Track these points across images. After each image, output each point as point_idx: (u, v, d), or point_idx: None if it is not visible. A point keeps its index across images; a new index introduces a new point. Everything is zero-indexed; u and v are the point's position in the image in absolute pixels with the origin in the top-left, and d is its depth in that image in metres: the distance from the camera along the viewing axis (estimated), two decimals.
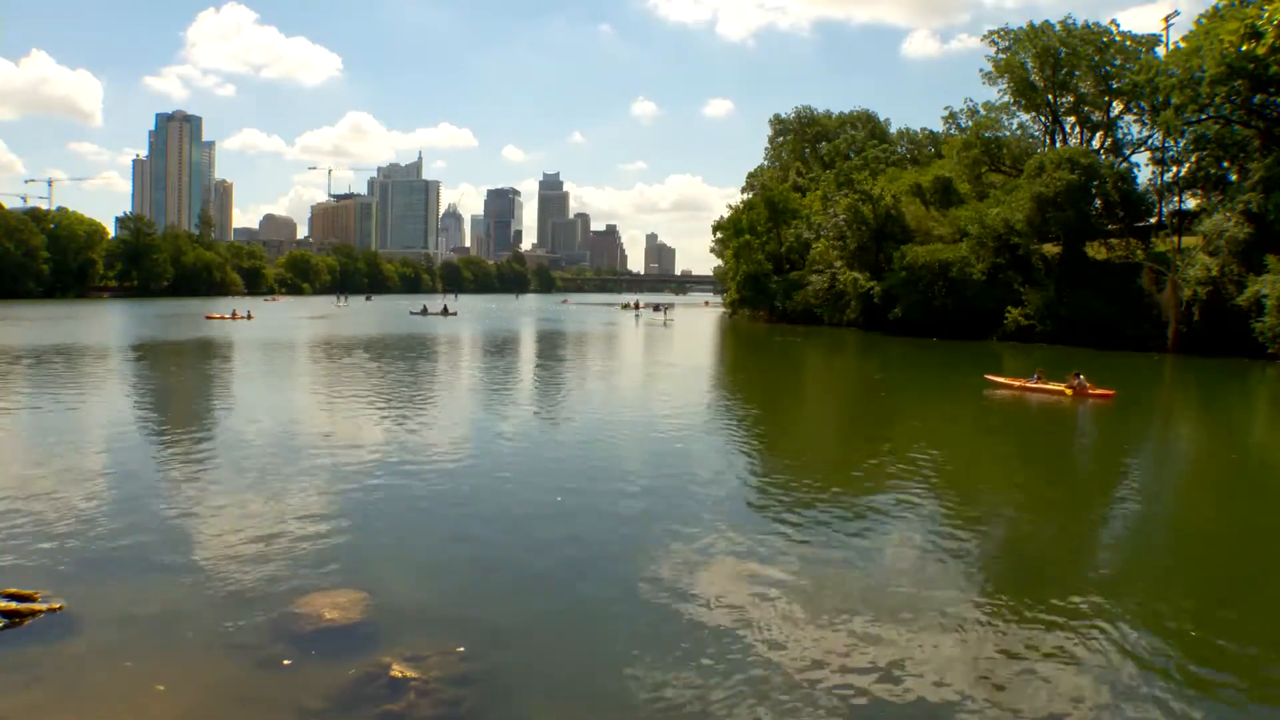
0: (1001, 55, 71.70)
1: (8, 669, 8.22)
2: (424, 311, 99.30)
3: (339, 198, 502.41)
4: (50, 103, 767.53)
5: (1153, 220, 62.77)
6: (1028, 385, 31.28)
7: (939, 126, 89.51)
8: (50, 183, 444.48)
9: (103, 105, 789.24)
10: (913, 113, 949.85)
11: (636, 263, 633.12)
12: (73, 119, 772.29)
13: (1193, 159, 58.62)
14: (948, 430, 25.49)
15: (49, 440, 19.66)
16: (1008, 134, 75.30)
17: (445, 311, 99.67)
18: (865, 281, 71.42)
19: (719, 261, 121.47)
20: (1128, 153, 69.29)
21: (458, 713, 7.64)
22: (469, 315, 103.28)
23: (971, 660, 8.83)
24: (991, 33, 74.42)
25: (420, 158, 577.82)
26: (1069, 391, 29.79)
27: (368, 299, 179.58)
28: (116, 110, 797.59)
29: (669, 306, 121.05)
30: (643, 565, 11.52)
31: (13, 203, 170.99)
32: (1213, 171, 57.53)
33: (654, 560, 11.70)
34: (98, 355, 43.01)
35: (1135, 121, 68.40)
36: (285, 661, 8.47)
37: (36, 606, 9.32)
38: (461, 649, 8.70)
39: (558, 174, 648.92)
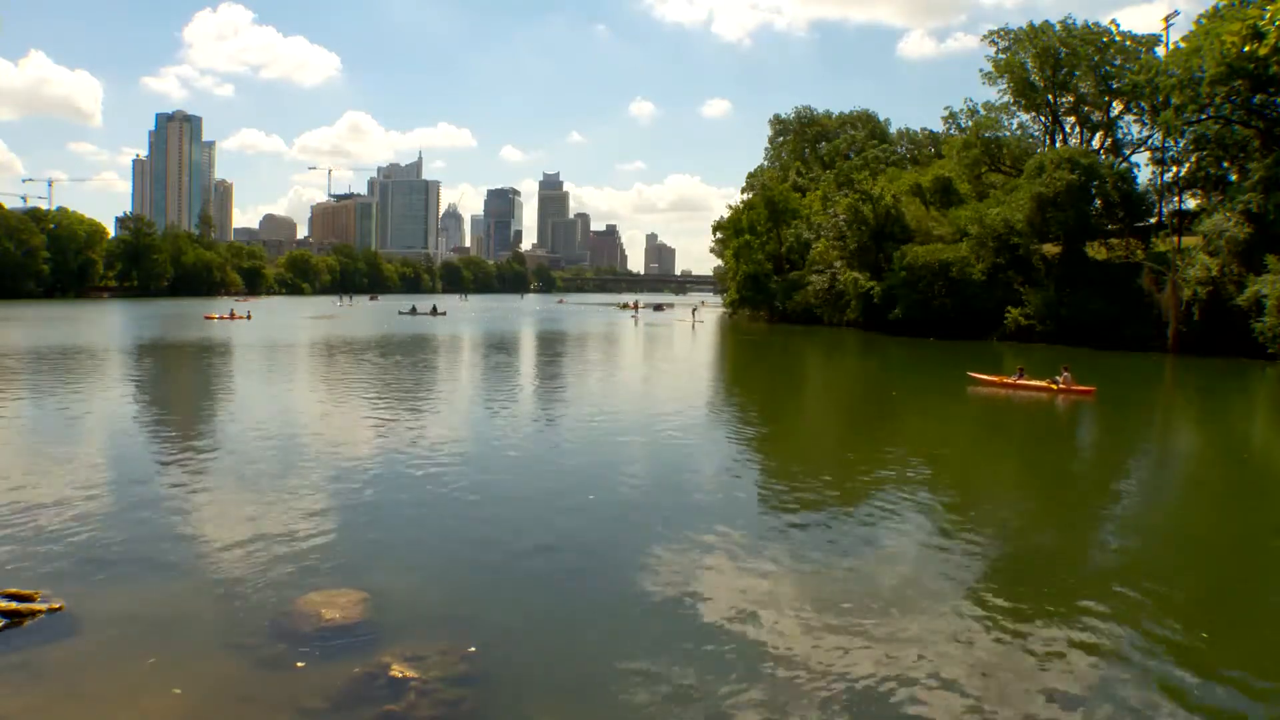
0: (1001, 55, 71.79)
1: (8, 669, 8.21)
2: (413, 311, 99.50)
3: (339, 198, 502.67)
4: (50, 103, 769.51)
5: (1153, 220, 62.77)
6: (1010, 382, 31.63)
7: (936, 126, 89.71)
8: (50, 183, 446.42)
9: (102, 105, 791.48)
10: (909, 112, 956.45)
11: (636, 263, 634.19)
12: (72, 119, 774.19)
13: (1193, 159, 58.64)
14: (938, 429, 25.61)
15: (49, 441, 19.67)
16: (1008, 134, 75.37)
17: (435, 311, 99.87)
18: (865, 281, 71.39)
19: (719, 261, 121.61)
20: (1128, 153, 69.40)
21: (458, 713, 7.64)
22: (463, 316, 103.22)
23: (969, 659, 8.82)
24: (991, 33, 74.66)
25: (420, 158, 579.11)
26: (1053, 387, 30.20)
27: (372, 299, 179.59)
28: (116, 110, 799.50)
29: (698, 306, 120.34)
30: (644, 565, 11.51)
31: (13, 203, 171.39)
32: (1213, 171, 57.53)
33: (655, 560, 11.70)
34: (97, 356, 43.00)
35: (1135, 121, 68.59)
36: (285, 661, 8.46)
37: (36, 606, 9.31)
38: (462, 649, 8.69)
39: (558, 174, 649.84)
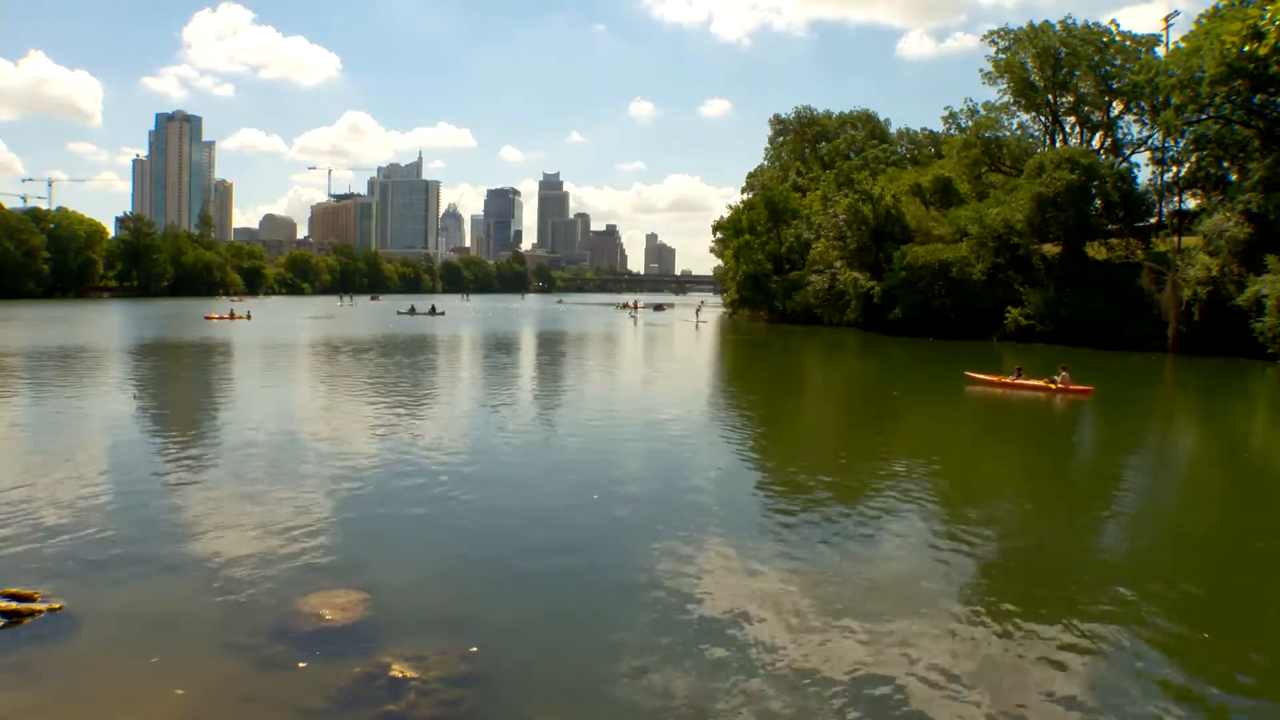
0: (1001, 55, 71.77)
1: (8, 669, 8.21)
2: (411, 311, 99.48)
3: (339, 198, 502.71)
4: (50, 103, 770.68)
5: (1153, 220, 62.78)
6: (1008, 382, 31.74)
7: (936, 126, 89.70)
8: (50, 183, 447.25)
9: (102, 105, 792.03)
10: (908, 112, 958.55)
11: (636, 263, 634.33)
12: (72, 119, 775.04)
13: (1193, 159, 58.63)
14: (937, 429, 25.66)
15: (49, 441, 19.65)
16: (1008, 134, 75.38)
17: (433, 311, 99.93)
18: (865, 281, 71.40)
19: (719, 261, 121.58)
20: (1128, 153, 69.41)
21: (458, 713, 7.64)
22: (463, 316, 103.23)
23: (969, 659, 8.83)
24: (991, 33, 74.61)
25: (420, 158, 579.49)
26: (1051, 386, 30.33)
27: (374, 299, 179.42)
28: (115, 110, 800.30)
29: (701, 306, 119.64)
30: (645, 564, 11.52)
31: (13, 203, 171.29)
32: (1213, 171, 57.53)
33: (656, 560, 11.70)
34: (98, 356, 43.00)
35: (1135, 121, 68.61)
36: (285, 661, 8.46)
37: (36, 606, 9.31)
38: (461, 649, 8.69)
39: (558, 174, 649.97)
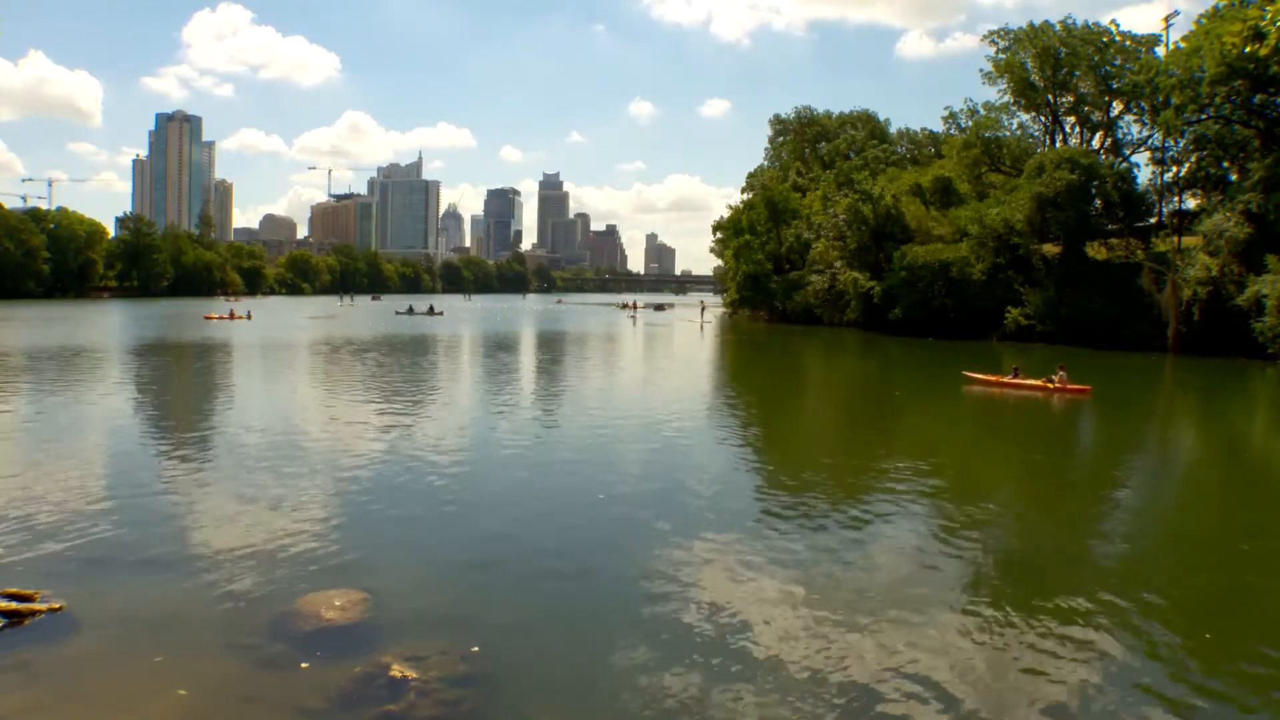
0: (1001, 55, 71.80)
1: (8, 669, 8.22)
2: (410, 311, 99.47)
3: (339, 198, 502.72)
4: (50, 103, 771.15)
5: (1153, 220, 62.79)
6: (1005, 381, 31.77)
7: (936, 126, 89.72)
8: (50, 183, 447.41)
9: (102, 105, 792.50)
10: (908, 112, 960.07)
11: (636, 263, 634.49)
12: (72, 119, 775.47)
13: (1193, 159, 58.65)
14: (937, 429, 25.67)
15: (49, 441, 19.65)
16: (1008, 134, 75.38)
17: (432, 311, 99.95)
18: (865, 281, 71.38)
19: (719, 261, 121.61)
20: (1128, 153, 69.42)
21: (458, 713, 7.64)
22: (463, 316, 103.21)
23: (969, 659, 8.83)
24: (991, 33, 74.67)
25: (420, 158, 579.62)
26: (1049, 386, 30.38)
27: (375, 299, 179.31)
28: (115, 110, 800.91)
29: (704, 306, 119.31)
30: (645, 565, 11.52)
31: (13, 203, 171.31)
32: (1213, 171, 57.54)
33: (655, 561, 11.70)
34: (98, 356, 42.99)
35: (1135, 121, 68.64)
36: (286, 661, 8.47)
37: (36, 606, 9.31)
38: (461, 649, 8.69)
39: (558, 174, 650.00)
